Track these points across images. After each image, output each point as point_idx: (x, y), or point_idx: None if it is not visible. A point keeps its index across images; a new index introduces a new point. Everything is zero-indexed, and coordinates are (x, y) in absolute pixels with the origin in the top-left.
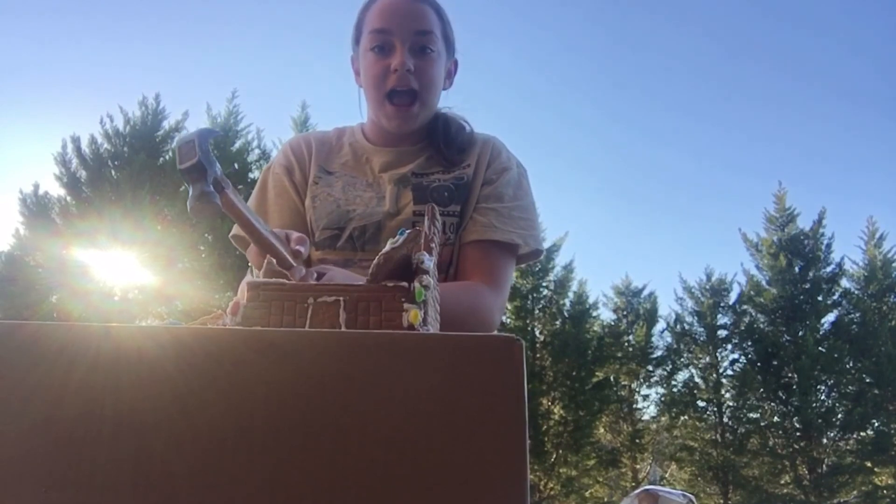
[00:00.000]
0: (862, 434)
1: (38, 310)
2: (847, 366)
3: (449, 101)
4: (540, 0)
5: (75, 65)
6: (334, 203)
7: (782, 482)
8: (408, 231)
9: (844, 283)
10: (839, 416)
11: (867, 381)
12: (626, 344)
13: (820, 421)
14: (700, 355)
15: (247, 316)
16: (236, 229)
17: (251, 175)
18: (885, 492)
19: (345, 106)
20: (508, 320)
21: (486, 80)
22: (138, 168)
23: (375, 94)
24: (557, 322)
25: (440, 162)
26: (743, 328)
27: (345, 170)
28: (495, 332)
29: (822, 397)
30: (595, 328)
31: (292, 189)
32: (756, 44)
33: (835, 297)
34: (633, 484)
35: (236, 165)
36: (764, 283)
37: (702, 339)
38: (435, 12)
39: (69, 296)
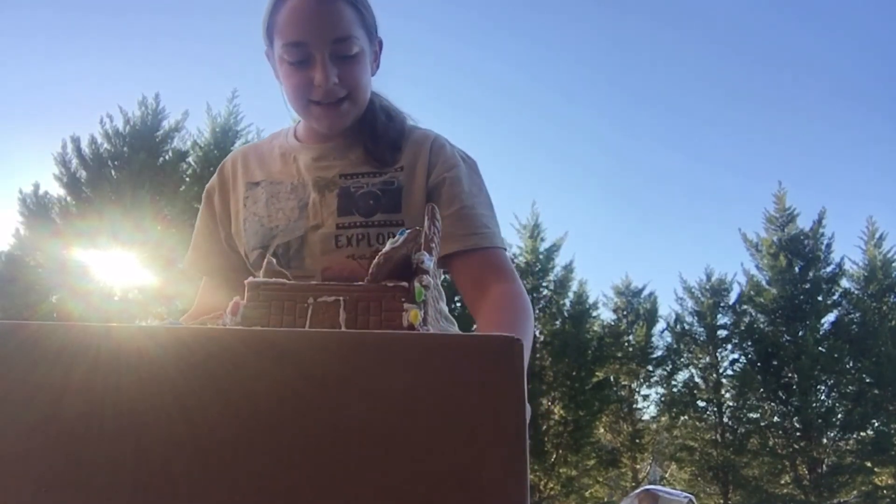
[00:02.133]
0: (862, 434)
1: (38, 310)
2: (847, 366)
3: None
4: (538, 3)
5: (75, 65)
6: (258, 222)
7: (782, 482)
8: (408, 231)
9: (844, 283)
10: (839, 416)
11: (867, 381)
12: (626, 344)
13: (820, 421)
14: (700, 355)
15: (247, 316)
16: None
17: None
18: (885, 492)
19: None
20: None
21: (485, 81)
22: (138, 168)
23: (298, 103)
24: (557, 322)
25: (370, 161)
26: (743, 328)
27: (269, 176)
28: (495, 333)
29: (822, 397)
30: (595, 328)
31: (209, 216)
32: (756, 44)
33: (835, 297)
34: (633, 484)
35: None
36: (764, 283)
37: (702, 339)
38: (350, 6)
39: (69, 296)
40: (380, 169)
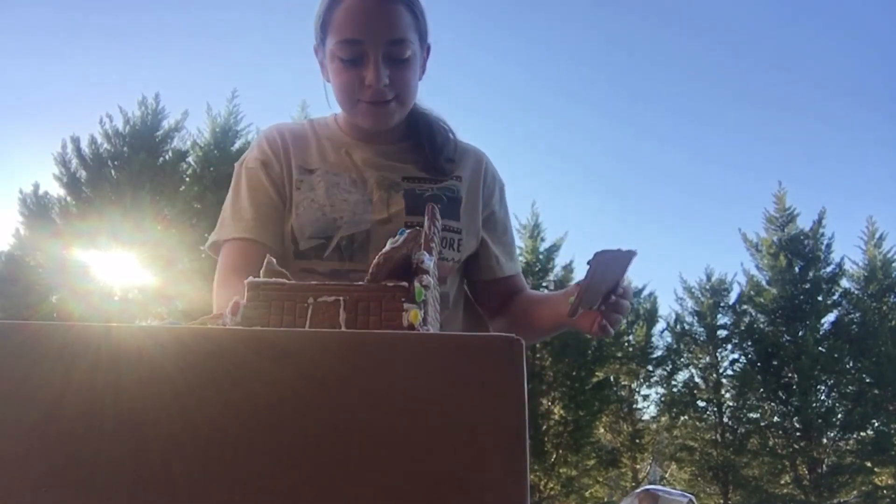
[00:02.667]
0: (862, 434)
1: (38, 310)
2: (847, 366)
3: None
4: (538, 2)
5: (75, 65)
6: (319, 210)
7: (782, 482)
8: (408, 231)
9: (844, 283)
10: (839, 416)
11: (867, 381)
12: (626, 344)
13: (820, 421)
14: (700, 355)
15: (247, 316)
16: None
17: None
18: (885, 492)
19: None
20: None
21: (485, 80)
22: (138, 168)
23: (346, 102)
24: None
25: (425, 169)
26: (743, 328)
27: (326, 166)
28: (495, 333)
29: (822, 397)
30: None
31: (269, 184)
32: (756, 44)
33: (835, 297)
34: (633, 484)
35: (236, 166)
36: (764, 283)
37: (702, 339)
38: (408, 10)
39: (69, 296)
40: (437, 177)
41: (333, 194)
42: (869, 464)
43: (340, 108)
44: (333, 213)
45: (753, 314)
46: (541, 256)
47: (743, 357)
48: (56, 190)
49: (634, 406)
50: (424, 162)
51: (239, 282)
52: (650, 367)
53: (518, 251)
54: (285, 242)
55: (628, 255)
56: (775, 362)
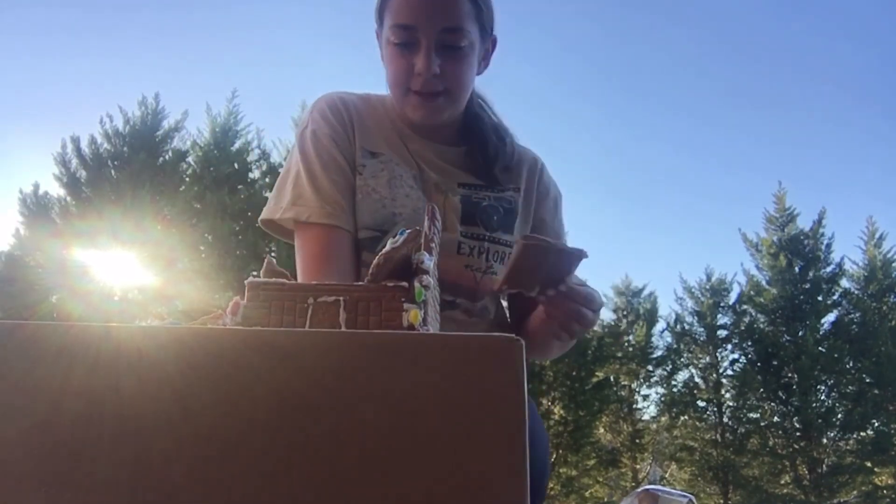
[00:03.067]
0: (862, 434)
1: (38, 310)
2: (847, 366)
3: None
4: (539, 1)
5: (75, 65)
6: (380, 202)
7: (782, 482)
8: (408, 231)
9: (844, 283)
10: (839, 416)
11: (867, 381)
12: (626, 344)
13: (820, 421)
14: (700, 355)
15: (247, 316)
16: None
17: (251, 175)
18: (885, 492)
19: None
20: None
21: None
22: (138, 168)
23: (398, 90)
24: None
25: (483, 176)
26: (743, 328)
27: (390, 152)
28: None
29: (822, 397)
30: (595, 328)
31: (344, 163)
32: (756, 44)
33: (835, 297)
34: (633, 484)
35: (236, 165)
36: (764, 283)
37: (702, 339)
38: None
39: (69, 296)
40: (495, 185)
41: (396, 187)
42: (869, 464)
43: (392, 96)
44: (394, 206)
45: (753, 314)
46: None
47: (743, 357)
48: (56, 190)
49: (634, 406)
50: (481, 169)
51: (335, 274)
52: (650, 367)
53: None
54: None
55: (575, 254)
56: (775, 362)
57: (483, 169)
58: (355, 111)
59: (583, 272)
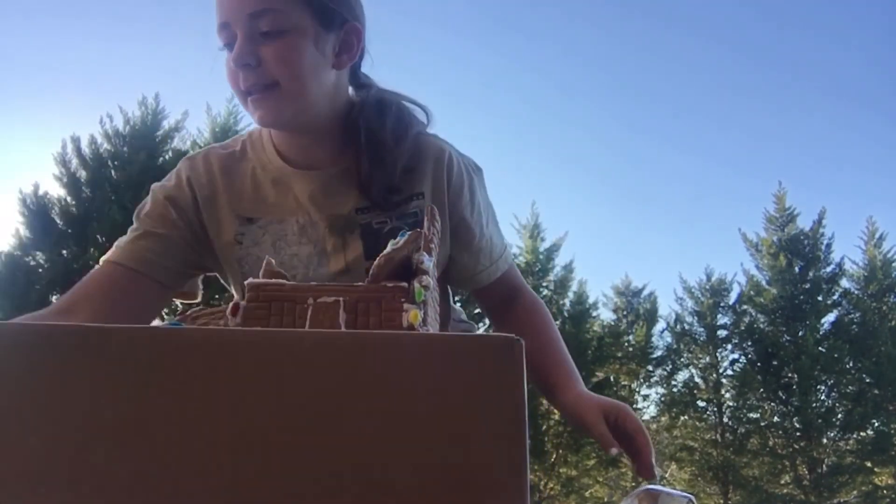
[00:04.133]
0: (862, 434)
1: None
2: (847, 366)
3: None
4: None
5: (75, 65)
6: None
7: (782, 482)
8: (408, 232)
9: (844, 283)
10: (839, 416)
11: (867, 381)
12: (626, 344)
13: (820, 421)
14: (700, 355)
15: (247, 316)
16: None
17: None
18: (885, 492)
19: None
20: None
21: (485, 80)
22: (138, 168)
23: (240, 99)
24: (557, 322)
25: (377, 194)
26: (743, 328)
27: (266, 212)
28: (495, 333)
29: (822, 397)
30: (595, 328)
31: (173, 229)
32: (756, 43)
33: (835, 297)
34: (633, 484)
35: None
36: (764, 283)
37: (702, 339)
38: None
39: None
40: (393, 201)
41: (281, 248)
42: (869, 464)
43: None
44: (284, 270)
45: (753, 314)
46: (541, 256)
47: (743, 357)
48: (56, 190)
49: (634, 406)
50: (373, 186)
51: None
52: (650, 367)
53: (518, 251)
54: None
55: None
56: (775, 362)
57: (374, 190)
58: (222, 174)
59: (583, 272)
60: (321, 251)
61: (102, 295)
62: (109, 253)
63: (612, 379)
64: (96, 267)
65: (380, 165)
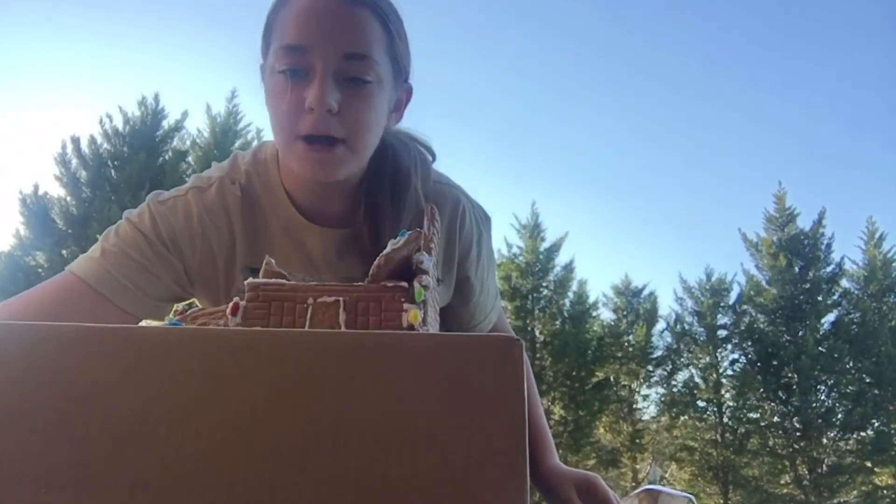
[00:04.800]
0: (862, 434)
1: None
2: (847, 366)
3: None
4: None
5: (75, 65)
6: None
7: (782, 482)
8: (408, 232)
9: (844, 283)
10: (839, 416)
11: (867, 381)
12: (626, 344)
13: (820, 421)
14: (700, 355)
15: (247, 316)
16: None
17: None
18: (885, 492)
19: None
20: (508, 320)
21: (485, 78)
22: (138, 168)
23: (283, 136)
24: (557, 322)
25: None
26: (743, 328)
27: (280, 264)
28: (494, 333)
29: (822, 397)
30: (595, 328)
31: (149, 268)
32: (756, 43)
33: (835, 297)
34: (633, 484)
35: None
36: (764, 283)
37: (702, 339)
38: (379, 21)
39: None
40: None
41: None
42: (869, 464)
43: (277, 143)
44: None
45: (753, 314)
46: (541, 256)
47: (743, 357)
48: (56, 190)
49: (634, 406)
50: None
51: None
52: (650, 367)
53: (518, 251)
54: None
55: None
56: (775, 362)
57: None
58: (239, 222)
59: (582, 272)
60: None
61: (52, 308)
62: (77, 263)
63: (612, 379)
64: (58, 275)
65: (381, 237)
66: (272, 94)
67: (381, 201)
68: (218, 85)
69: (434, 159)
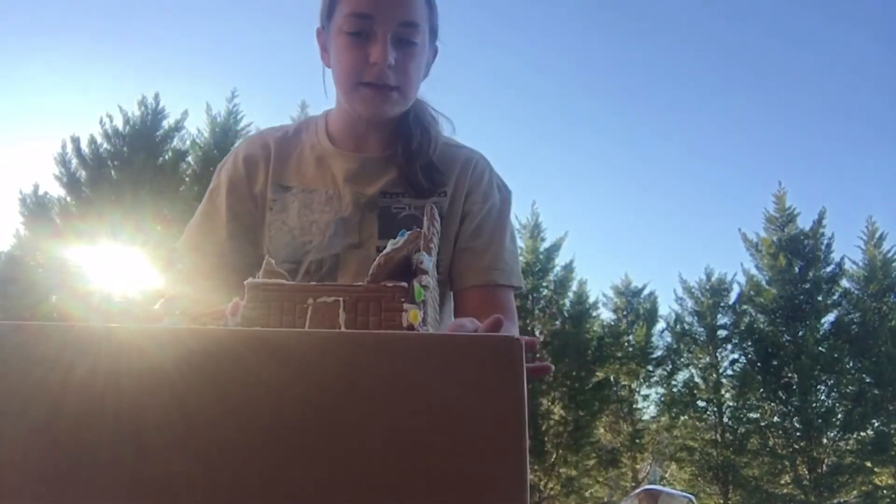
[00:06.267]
0: (862, 434)
1: (38, 310)
2: (847, 366)
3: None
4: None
5: (75, 65)
6: (289, 233)
7: (782, 482)
8: (408, 232)
9: (844, 283)
10: (839, 416)
11: (867, 381)
12: (626, 344)
13: (820, 421)
14: (700, 355)
15: (247, 316)
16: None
17: None
18: (885, 492)
19: None
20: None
21: (486, 77)
22: (138, 168)
23: (347, 82)
24: (557, 322)
25: (407, 182)
26: (743, 328)
27: (302, 182)
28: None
29: (822, 397)
30: (595, 328)
31: (230, 213)
32: (756, 44)
33: (835, 297)
34: (633, 484)
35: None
36: (764, 283)
37: (702, 339)
38: None
39: (69, 296)
40: (418, 191)
41: (304, 215)
42: (869, 464)
43: (339, 92)
44: (303, 236)
45: (753, 314)
46: (541, 256)
47: (743, 357)
48: (56, 190)
49: (634, 406)
50: (403, 175)
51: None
52: (650, 367)
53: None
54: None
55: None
56: (775, 362)
57: (405, 174)
58: (275, 146)
59: (582, 272)
60: (339, 221)
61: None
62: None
63: (612, 379)
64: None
65: (416, 159)
66: (341, 50)
67: (413, 132)
68: (218, 85)
69: (454, 130)
